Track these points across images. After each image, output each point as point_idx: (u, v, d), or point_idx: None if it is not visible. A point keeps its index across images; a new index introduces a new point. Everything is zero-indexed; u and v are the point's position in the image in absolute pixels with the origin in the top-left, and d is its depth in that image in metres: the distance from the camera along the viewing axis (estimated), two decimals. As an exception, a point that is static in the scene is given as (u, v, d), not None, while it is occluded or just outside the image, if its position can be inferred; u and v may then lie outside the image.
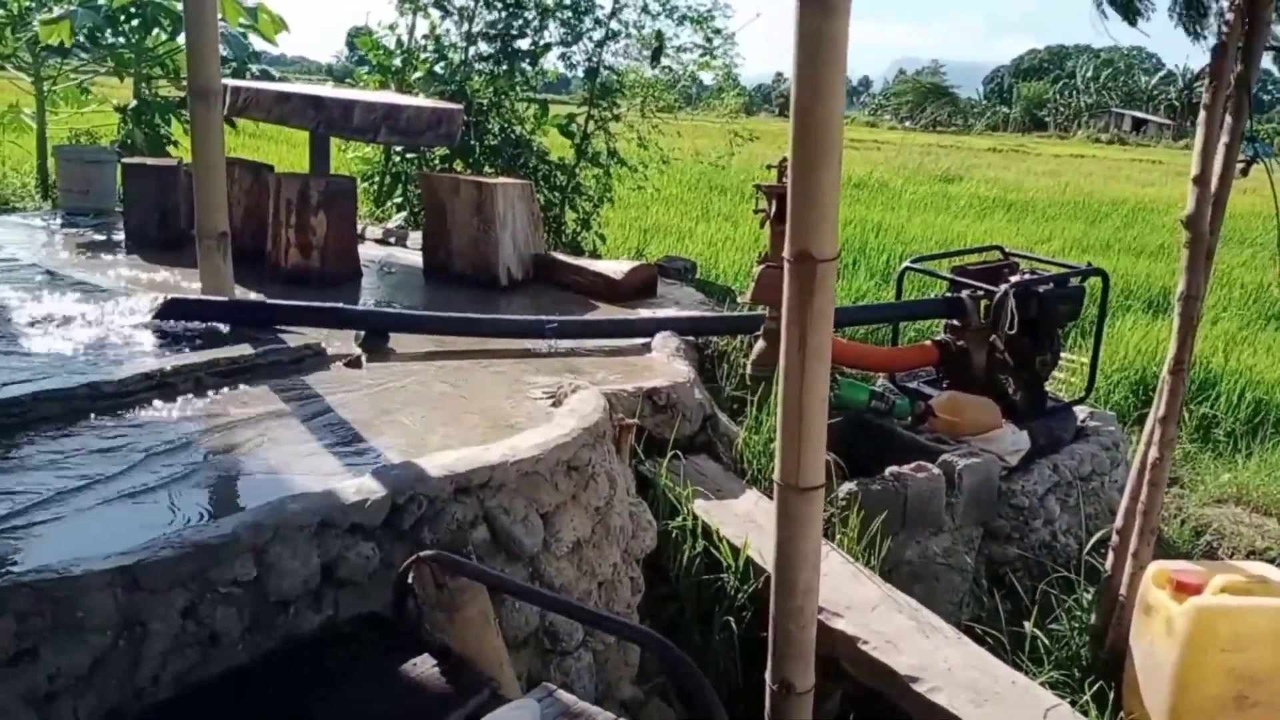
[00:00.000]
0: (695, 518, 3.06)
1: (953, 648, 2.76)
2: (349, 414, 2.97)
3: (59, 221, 6.21)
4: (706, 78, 7.38)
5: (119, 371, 2.93)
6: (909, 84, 70.20)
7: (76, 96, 8.89)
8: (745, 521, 3.14)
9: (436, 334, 3.87)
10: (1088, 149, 39.46)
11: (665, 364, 3.81)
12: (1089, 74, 66.59)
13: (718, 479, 3.42)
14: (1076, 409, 4.77)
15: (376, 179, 7.29)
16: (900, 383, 4.65)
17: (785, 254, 2.12)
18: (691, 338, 4.24)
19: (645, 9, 6.56)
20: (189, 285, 4.50)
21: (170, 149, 7.62)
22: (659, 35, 6.63)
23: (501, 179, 5.35)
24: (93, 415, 2.76)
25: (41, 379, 2.91)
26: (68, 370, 3.05)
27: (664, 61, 6.75)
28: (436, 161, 7.10)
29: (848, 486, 3.42)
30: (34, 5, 7.79)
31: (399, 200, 7.22)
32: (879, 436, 4.08)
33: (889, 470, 3.66)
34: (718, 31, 6.53)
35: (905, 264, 4.91)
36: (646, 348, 4.03)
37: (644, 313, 4.62)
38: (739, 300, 5.01)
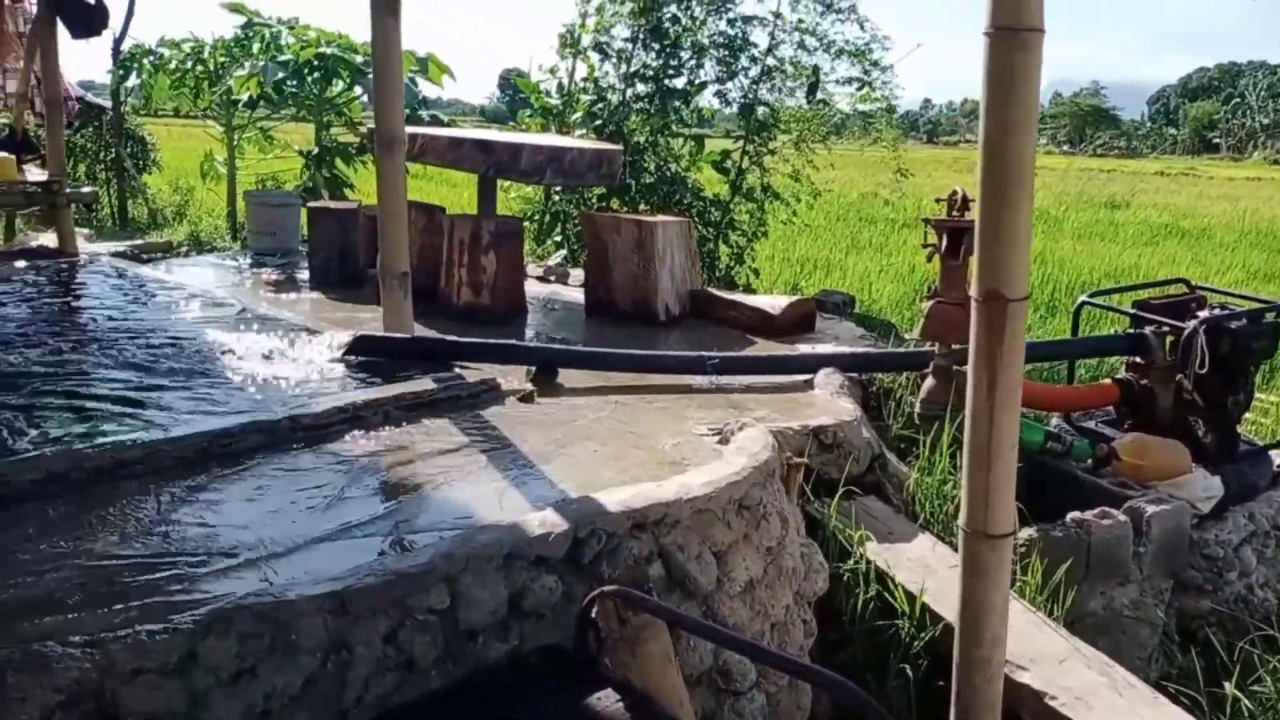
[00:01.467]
0: (868, 561, 3.00)
1: (1148, 707, 2.60)
2: (525, 447, 3.06)
3: (249, 261, 6.69)
4: (861, 106, 7.30)
5: (317, 405, 3.13)
6: (1066, 106, 67.52)
7: (261, 143, 9.60)
8: (920, 566, 3.06)
9: (602, 369, 3.95)
10: (1265, 171, 36.91)
11: (829, 401, 3.76)
12: (1264, 92, 62.40)
13: (888, 521, 3.34)
14: (1272, 453, 4.44)
15: (537, 217, 7.53)
16: (1077, 423, 4.45)
17: (972, 293, 2.07)
18: (855, 374, 4.18)
19: (802, 45, 6.58)
20: (369, 320, 4.75)
21: (347, 192, 8.12)
22: (815, 70, 6.63)
23: (661, 217, 5.44)
24: (294, 445, 2.94)
25: (246, 411, 3.13)
26: (269, 402, 3.27)
27: (819, 95, 6.75)
28: (594, 199, 7.28)
29: (1028, 532, 3.28)
30: (228, 61, 8.48)
31: (558, 238, 7.44)
32: (1057, 479, 3.90)
33: (1070, 516, 3.49)
34: (876, 64, 6.49)
35: (1082, 298, 4.70)
36: (809, 384, 4.00)
37: (803, 348, 4.59)
38: (905, 336, 4.90)
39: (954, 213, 3.98)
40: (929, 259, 4.16)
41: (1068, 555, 3.25)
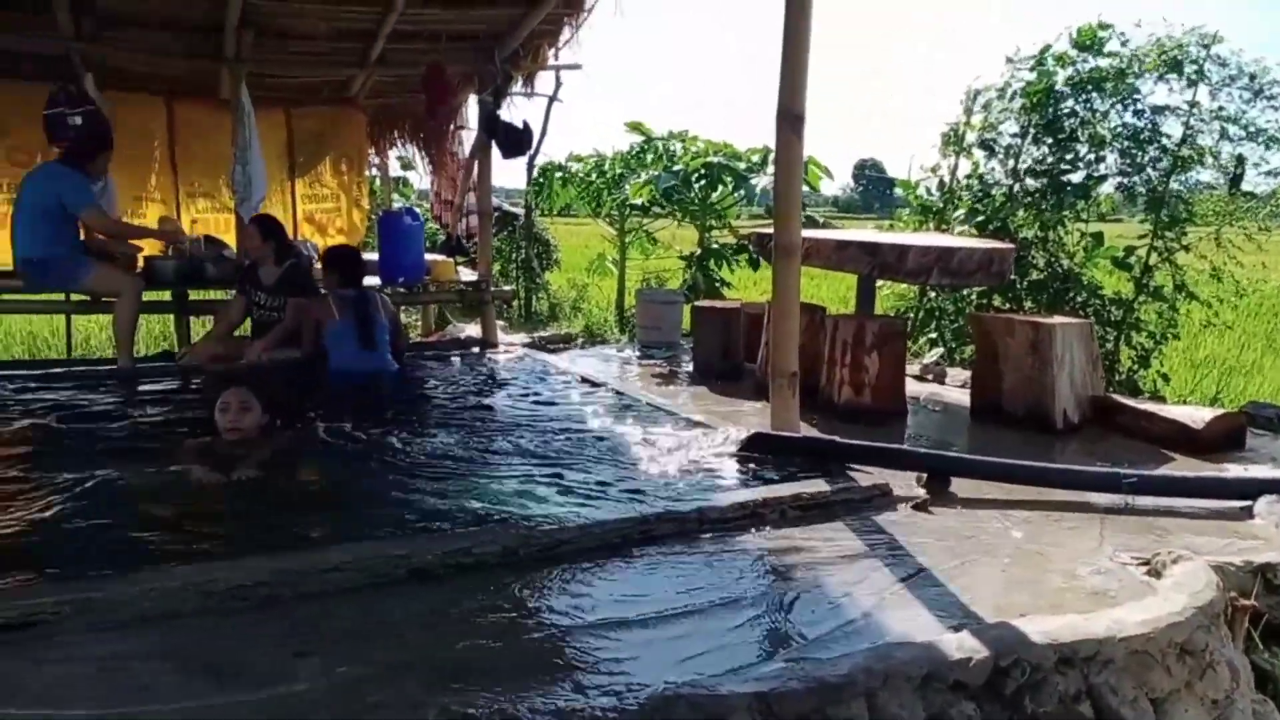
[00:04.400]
0: (1340, 730, 2.56)
1: None
2: (925, 559, 2.99)
3: (636, 353, 7.23)
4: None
5: (720, 499, 3.29)
6: None
7: (644, 244, 10.42)
8: None
9: (1000, 481, 3.77)
10: None
11: (1276, 534, 3.30)
12: None
13: (1360, 683, 2.83)
14: None
15: (910, 314, 7.44)
16: None
17: None
18: (1306, 504, 3.62)
19: (1224, 134, 6.00)
20: (750, 413, 4.95)
21: (724, 290, 8.56)
22: (1240, 160, 6.00)
23: (1059, 318, 5.15)
24: (701, 537, 3.09)
25: (658, 500, 3.36)
26: (675, 493, 3.48)
27: (1245, 186, 6.09)
28: (971, 296, 7.07)
29: None
30: (625, 171, 9.36)
31: (933, 335, 7.29)
32: None
33: None
34: (1319, 151, 5.74)
35: None
36: (1245, 512, 3.53)
37: (1233, 469, 4.07)
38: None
39: None
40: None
41: None
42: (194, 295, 6.80)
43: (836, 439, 4.02)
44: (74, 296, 6.12)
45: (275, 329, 5.90)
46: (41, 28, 6.22)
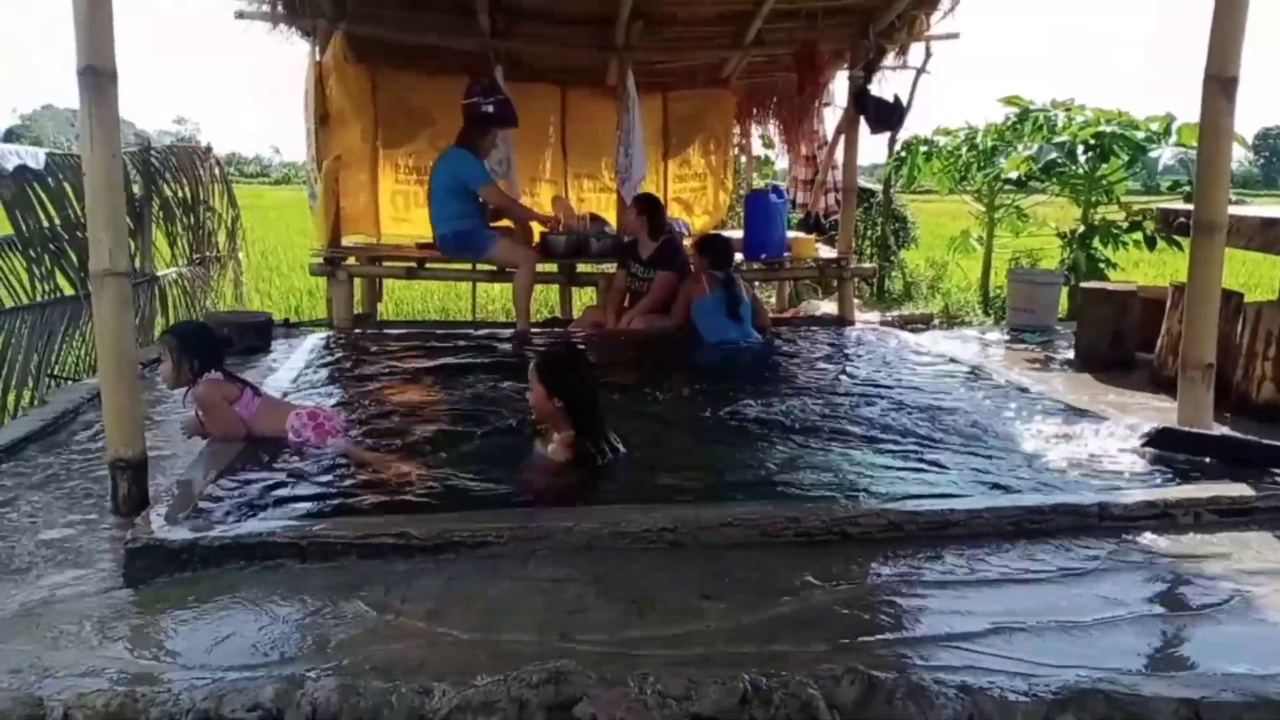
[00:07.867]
0: None
1: None
2: (1383, 584, 2.60)
3: (1004, 336, 6.86)
4: None
5: (1125, 495, 3.07)
6: None
7: (1014, 222, 9.80)
8: None
9: None
10: None
11: None
12: None
13: None
14: None
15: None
16: None
17: None
18: None
19: None
20: (1140, 406, 4.55)
21: (1110, 272, 7.85)
22: None
23: None
24: (1100, 534, 2.91)
25: (1052, 491, 3.20)
26: (1069, 485, 3.29)
27: None
28: None
29: None
30: (999, 144, 8.85)
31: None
32: None
33: None
34: None
35: None
36: None
37: None
38: None
39: None
40: None
41: None
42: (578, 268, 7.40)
43: (1261, 440, 3.58)
44: (479, 266, 6.90)
45: (644, 299, 6.32)
46: (463, 27, 7.05)
